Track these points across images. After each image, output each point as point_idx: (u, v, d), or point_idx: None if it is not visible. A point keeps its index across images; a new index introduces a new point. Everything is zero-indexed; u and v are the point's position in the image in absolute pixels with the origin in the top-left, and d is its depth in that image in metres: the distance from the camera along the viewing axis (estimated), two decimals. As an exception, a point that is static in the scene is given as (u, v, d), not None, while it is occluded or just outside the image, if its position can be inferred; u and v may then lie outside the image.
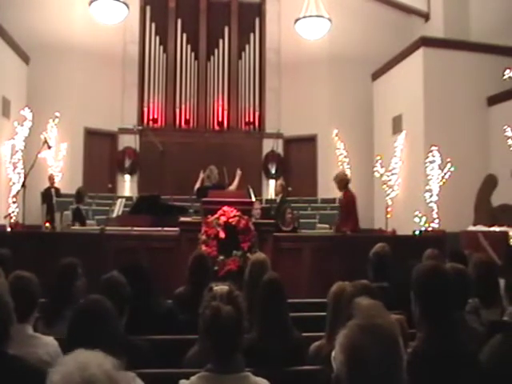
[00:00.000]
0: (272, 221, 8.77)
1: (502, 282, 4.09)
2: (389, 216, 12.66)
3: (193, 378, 2.51)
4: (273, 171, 15.36)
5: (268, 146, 15.48)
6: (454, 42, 12.44)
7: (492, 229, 9.76)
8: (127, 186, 14.95)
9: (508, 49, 11.79)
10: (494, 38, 12.15)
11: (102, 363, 1.52)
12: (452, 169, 11.07)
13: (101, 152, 14.91)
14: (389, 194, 12.80)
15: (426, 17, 14.81)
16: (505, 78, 10.54)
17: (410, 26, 14.63)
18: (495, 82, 11.15)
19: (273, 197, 13.95)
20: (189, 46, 15.55)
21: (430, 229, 10.94)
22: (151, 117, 15.23)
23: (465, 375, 2.51)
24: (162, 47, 15.46)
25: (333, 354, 1.74)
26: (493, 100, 11.98)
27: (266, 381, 2.60)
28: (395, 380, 1.64)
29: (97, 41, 14.21)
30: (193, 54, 15.58)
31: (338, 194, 14.11)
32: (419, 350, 2.68)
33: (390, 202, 12.77)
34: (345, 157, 14.27)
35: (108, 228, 8.36)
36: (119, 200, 10.77)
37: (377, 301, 1.82)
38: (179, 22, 15.53)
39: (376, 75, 14.38)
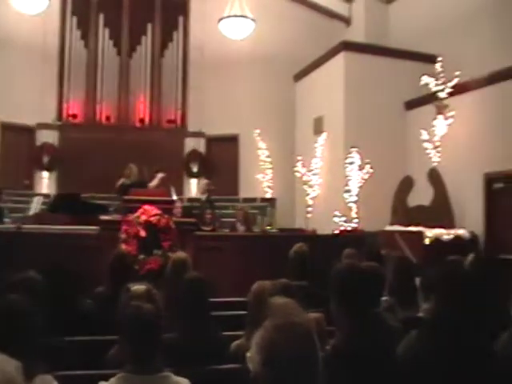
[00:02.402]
0: (193, 220, 8.75)
1: (417, 280, 4.22)
2: (309, 215, 12.85)
3: (112, 380, 2.46)
4: (195, 170, 15.30)
5: (190, 144, 15.42)
6: (375, 47, 12.76)
7: (408, 229, 10.07)
8: (45, 183, 14.53)
9: (425, 55, 12.17)
10: (413, 44, 12.53)
11: (2, 366, 1.47)
12: (371, 170, 11.34)
13: (17, 147, 14.38)
14: (309, 194, 12.99)
15: (347, 21, 15.13)
16: (422, 83, 10.87)
17: (332, 30, 14.88)
18: (413, 88, 11.49)
19: (194, 196, 13.92)
20: (111, 42, 15.27)
21: (349, 228, 11.17)
22: (71, 112, 14.85)
23: (382, 371, 2.58)
24: (83, 42, 15.12)
25: (248, 354, 1.74)
26: (410, 104, 12.35)
27: (187, 380, 2.59)
28: (312, 377, 1.66)
29: (15, 31, 13.72)
30: (115, 50, 15.30)
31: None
32: (337, 348, 2.73)
33: (310, 202, 12.97)
34: (266, 156, 14.38)
35: (25, 226, 8.11)
36: (36, 198, 10.49)
37: (291, 299, 1.83)
38: (101, 16, 15.21)
39: (298, 77, 14.58)
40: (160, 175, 10.07)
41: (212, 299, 3.84)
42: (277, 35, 14.64)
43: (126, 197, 8.11)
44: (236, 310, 4.83)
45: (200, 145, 15.39)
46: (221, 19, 12.24)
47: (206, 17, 14.70)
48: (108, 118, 15.06)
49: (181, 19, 15.75)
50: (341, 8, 15.09)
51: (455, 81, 10.61)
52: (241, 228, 10.12)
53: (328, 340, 2.92)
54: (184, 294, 3.65)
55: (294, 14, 15.08)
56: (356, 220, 11.40)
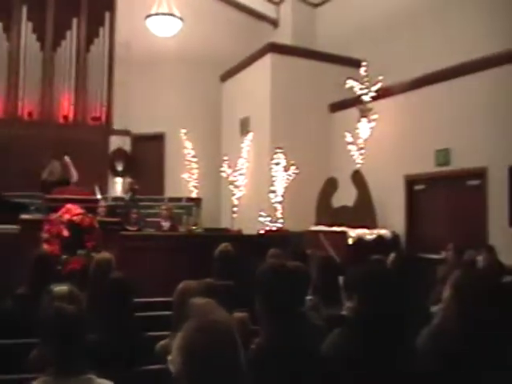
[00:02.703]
0: (118, 219, 8.63)
1: (341, 279, 4.30)
2: (235, 215, 12.90)
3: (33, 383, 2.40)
4: (120, 169, 15.08)
5: (115, 142, 15.19)
6: (301, 49, 12.93)
7: (332, 229, 10.25)
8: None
9: (351, 60, 12.43)
10: (339, 48, 12.77)
11: None
12: (296, 171, 11.48)
13: None
14: (235, 194, 13.03)
15: (275, 23, 15.27)
16: (347, 87, 11.09)
17: (259, 31, 14.99)
18: (338, 91, 11.70)
19: (119, 195, 13.71)
20: (34, 36, 14.85)
21: (274, 228, 11.27)
22: (-9, 107, 14.39)
23: (306, 370, 2.62)
24: (5, 35, 14.64)
25: (169, 357, 1.73)
26: (335, 107, 12.58)
27: (111, 382, 2.55)
28: (234, 376, 1.66)
29: None
30: (38, 44, 14.89)
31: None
32: (262, 347, 2.75)
33: (236, 202, 13.01)
34: (192, 156, 14.34)
35: None
36: None
37: (211, 299, 1.83)
38: (24, 9, 14.76)
39: (225, 77, 14.61)
40: (67, 159, 9.91)
41: (137, 300, 3.81)
42: (204, 35, 14.61)
43: (49, 195, 7.91)
44: (162, 310, 4.80)
45: (125, 143, 15.18)
46: (148, 16, 12.12)
47: (133, 13, 14.50)
48: (30, 114, 14.65)
49: (107, 15, 15.48)
50: (269, 10, 15.22)
51: (379, 85, 10.89)
52: (165, 225, 10.05)
53: (253, 339, 2.94)
54: (107, 294, 3.60)
55: (222, 15, 15.11)
56: (281, 220, 11.51)
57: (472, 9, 10.27)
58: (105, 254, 4.88)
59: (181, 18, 12.10)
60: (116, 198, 13.08)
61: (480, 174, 9.39)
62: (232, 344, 1.67)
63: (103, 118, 15.27)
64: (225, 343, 1.65)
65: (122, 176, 14.91)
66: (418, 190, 10.75)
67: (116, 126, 15.23)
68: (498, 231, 8.81)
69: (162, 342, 3.57)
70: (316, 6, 14.70)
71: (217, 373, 1.61)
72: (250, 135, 13.02)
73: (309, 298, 4.10)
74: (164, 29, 12.33)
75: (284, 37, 14.27)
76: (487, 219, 9.18)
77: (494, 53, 9.08)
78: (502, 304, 2.95)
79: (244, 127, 13.36)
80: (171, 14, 12.01)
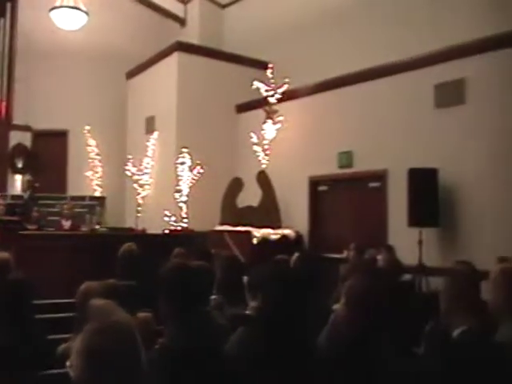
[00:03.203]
0: (17, 218, 8.33)
1: (245, 278, 4.34)
2: (139, 215, 12.73)
3: None
4: (20, 166, 14.52)
5: (15, 138, 14.61)
6: (208, 49, 12.91)
7: (237, 229, 10.30)
8: None
9: (258, 61, 12.55)
10: (246, 50, 12.85)
11: None
12: (201, 170, 11.46)
13: None
14: (140, 193, 12.87)
15: (182, 22, 15.18)
16: (253, 88, 11.19)
17: (167, 30, 14.85)
18: (244, 92, 11.77)
19: (19, 193, 13.24)
20: None
21: (179, 228, 11.21)
22: None
23: (211, 369, 2.63)
24: None
25: (68, 363, 1.69)
26: (241, 108, 12.66)
27: None
28: (135, 378, 1.64)
29: None
30: None
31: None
32: (166, 347, 2.74)
33: (140, 201, 12.85)
34: (96, 154, 14.04)
35: None
36: None
37: (110, 300, 1.81)
38: None
39: (131, 74, 14.37)
40: None
41: (41, 301, 3.69)
42: (111, 30, 14.33)
43: None
44: (67, 311, 4.67)
45: (26, 139, 14.64)
46: (52, 9, 11.73)
47: (37, 5, 13.99)
48: None
49: (8, 5, 14.87)
50: (176, 8, 15.11)
51: (285, 87, 11.06)
52: (66, 224, 9.80)
53: (157, 339, 2.92)
54: (5, 296, 3.47)
55: (129, 10, 14.84)
56: (186, 220, 11.47)
57: (379, 15, 10.58)
58: (3, 254, 4.69)
59: (86, 12, 11.79)
60: (15, 196, 12.62)
61: (381, 176, 9.71)
62: (132, 345, 1.64)
63: (2, 112, 14.65)
64: (125, 345, 1.62)
65: (22, 173, 14.37)
66: (321, 190, 10.99)
67: (16, 121, 14.63)
68: (397, 231, 9.14)
69: (64, 345, 3.49)
70: (224, 6, 14.74)
71: (117, 375, 1.58)
72: (156, 134, 12.89)
73: (213, 297, 4.11)
74: (69, 22, 11.95)
75: (191, 36, 14.21)
76: (387, 220, 9.51)
77: (396, 60, 9.42)
78: (397, 303, 3.06)
79: (150, 126, 13.21)
80: (76, 8, 11.68)
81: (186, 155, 11.55)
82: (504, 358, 2.75)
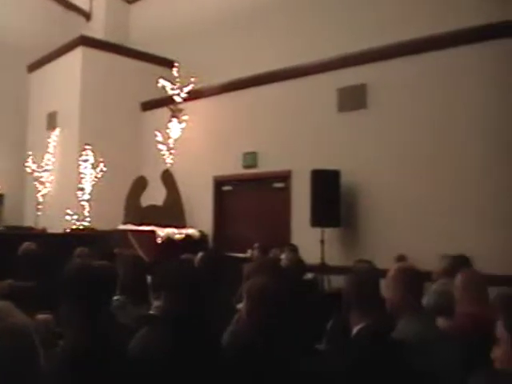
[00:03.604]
0: None
1: (149, 278, 4.30)
2: (40, 213, 12.35)
3: None
4: None
5: None
6: (114, 45, 12.67)
7: (141, 228, 10.19)
8: None
9: (164, 59, 12.45)
10: (153, 47, 12.70)
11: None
12: (105, 168, 11.24)
13: None
14: (40, 191, 12.47)
15: (87, 16, 14.82)
16: (159, 86, 11.10)
17: (72, 23, 14.44)
18: (150, 90, 11.65)
19: None
20: None
21: (81, 227, 10.96)
22: None
23: (114, 370, 2.59)
24: None
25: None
26: (146, 106, 12.52)
27: None
28: (32, 380, 1.60)
29: None
30: None
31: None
32: (68, 348, 2.68)
33: (41, 199, 12.45)
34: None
35: None
36: None
37: (6, 302, 1.74)
38: None
39: (33, 67, 13.85)
40: None
41: None
42: (11, 21, 13.74)
43: None
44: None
45: None
46: None
47: None
48: None
49: None
50: (81, 1, 14.73)
51: (190, 86, 11.03)
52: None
53: (57, 341, 2.85)
54: None
55: (32, 1, 14.31)
56: (88, 219, 11.22)
57: (290, 18, 10.71)
58: None
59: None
60: None
61: (285, 176, 9.88)
62: (29, 348, 1.60)
63: None
64: (22, 348, 1.58)
65: None
66: (226, 190, 11.04)
67: None
68: (300, 231, 9.32)
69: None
70: (130, 2, 14.52)
71: (13, 379, 1.54)
72: (58, 130, 12.52)
73: (116, 297, 4.05)
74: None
75: (97, 31, 13.89)
76: (291, 220, 9.68)
77: (301, 63, 9.61)
78: (299, 302, 3.13)
79: (51, 122, 12.80)
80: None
81: (89, 152, 11.30)
82: (400, 354, 2.87)
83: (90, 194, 11.34)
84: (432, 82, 8.22)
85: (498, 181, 7.48)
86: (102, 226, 10.41)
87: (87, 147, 11.28)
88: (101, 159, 11.23)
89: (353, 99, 9.05)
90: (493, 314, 3.27)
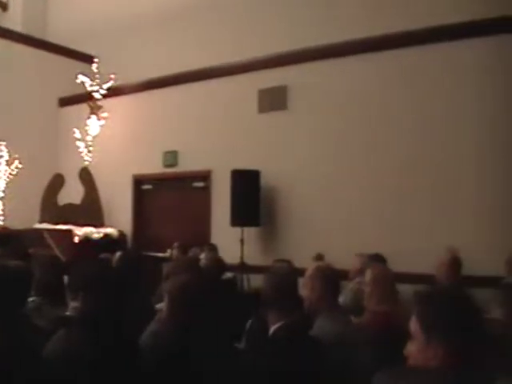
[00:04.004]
0: None
1: (66, 278, 4.22)
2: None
3: None
4: None
5: None
6: (31, 38, 12.28)
7: (58, 227, 9.97)
8: None
9: (84, 55, 12.16)
10: (72, 41, 12.37)
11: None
12: (20, 165, 10.90)
13: None
14: None
15: (4, 6, 14.30)
16: (78, 82, 10.87)
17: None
18: (68, 85, 11.38)
19: None
20: None
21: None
22: None
23: (29, 372, 2.54)
24: None
25: None
26: (64, 101, 12.20)
27: None
28: None
29: None
30: None
31: None
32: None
33: None
34: None
35: None
36: None
37: None
38: None
39: None
40: None
41: None
42: None
43: None
44: None
45: None
46: None
47: None
48: None
49: None
50: (-4, -9, 14.22)
51: (110, 83, 10.86)
52: None
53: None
54: None
55: None
56: (2, 217, 10.87)
57: (219, 16, 10.66)
58: None
59: None
60: None
61: (205, 176, 9.89)
62: None
63: None
64: None
65: None
66: (145, 189, 10.94)
67: None
68: (220, 230, 9.36)
69: None
70: (48, -6, 14.13)
71: None
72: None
73: (31, 298, 3.95)
74: None
75: (14, 22, 13.41)
76: (211, 219, 9.70)
77: (223, 63, 9.65)
78: (219, 301, 3.15)
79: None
80: None
81: (3, 148, 10.92)
82: (317, 352, 2.94)
83: (3, 191, 10.97)
84: (352, 85, 8.44)
85: (417, 180, 7.78)
86: (16, 224, 10.08)
87: (1, 143, 10.90)
88: (16, 155, 10.87)
89: (273, 100, 9.16)
90: (402, 310, 3.40)
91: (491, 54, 7.33)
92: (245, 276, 8.27)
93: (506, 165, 7.14)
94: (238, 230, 8.68)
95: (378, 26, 8.17)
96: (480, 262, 6.65)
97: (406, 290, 3.99)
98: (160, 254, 8.83)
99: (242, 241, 8.66)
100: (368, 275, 4.10)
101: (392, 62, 8.09)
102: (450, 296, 2.15)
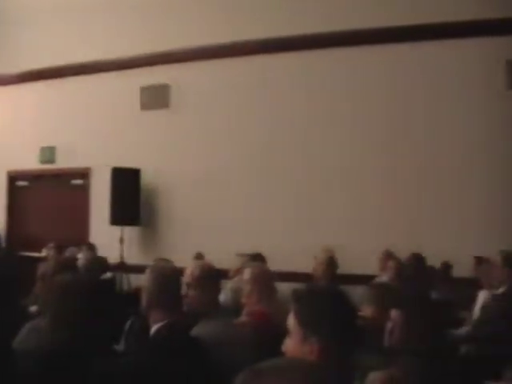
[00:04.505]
0: None
1: None
2: None
3: None
4: None
5: None
6: None
7: None
8: None
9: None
10: None
11: None
12: None
13: None
14: None
15: None
16: None
17: None
18: None
19: None
20: None
21: None
22: None
23: None
24: None
25: None
26: None
27: None
28: None
29: None
30: None
31: None
32: None
33: None
34: None
35: None
36: None
37: None
38: None
39: None
40: None
41: None
42: None
43: None
44: None
45: None
46: None
47: None
48: None
49: None
50: None
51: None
52: None
53: None
54: None
55: None
56: None
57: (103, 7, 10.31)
58: None
59: None
60: None
61: (84, 173, 9.65)
62: None
63: None
64: None
65: None
66: (21, 186, 10.50)
67: None
68: (99, 229, 9.17)
69: None
70: None
71: None
72: None
73: None
74: None
75: None
76: (89, 218, 9.49)
77: (105, 58, 9.44)
78: (98, 301, 3.09)
79: None
80: None
81: None
82: (199, 351, 2.95)
83: None
84: (237, 86, 8.56)
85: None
86: None
87: None
88: None
89: (156, 98, 9.09)
90: (281, 308, 3.48)
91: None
92: (125, 276, 8.16)
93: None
94: (117, 229, 8.56)
95: (263, 28, 8.32)
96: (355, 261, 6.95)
97: (285, 288, 4.07)
98: (35, 254, 8.52)
99: (121, 240, 8.55)
100: (247, 274, 4.14)
101: (284, 63, 8.28)
102: (327, 294, 2.23)
